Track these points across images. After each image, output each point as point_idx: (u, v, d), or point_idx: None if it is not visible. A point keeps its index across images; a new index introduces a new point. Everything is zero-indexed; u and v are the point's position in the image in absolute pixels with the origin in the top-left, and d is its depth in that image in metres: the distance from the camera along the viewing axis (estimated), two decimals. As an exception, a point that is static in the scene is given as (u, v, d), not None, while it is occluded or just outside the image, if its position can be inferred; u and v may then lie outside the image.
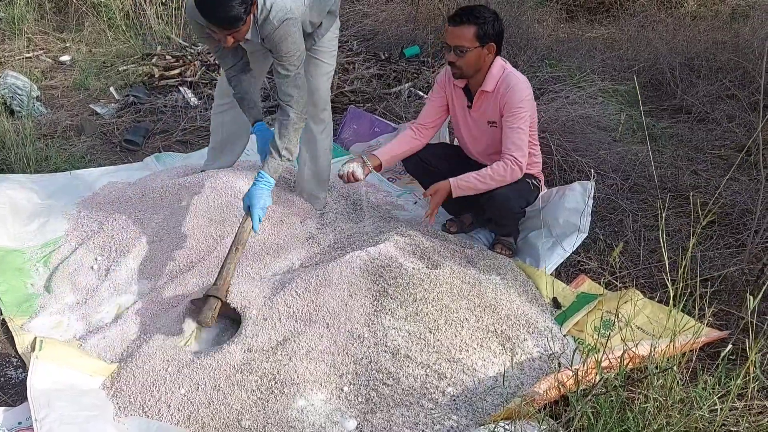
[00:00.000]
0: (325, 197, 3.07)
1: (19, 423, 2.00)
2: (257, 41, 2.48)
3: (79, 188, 3.20)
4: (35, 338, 2.25)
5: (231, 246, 2.42)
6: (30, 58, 4.90)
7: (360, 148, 3.79)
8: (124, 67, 4.72)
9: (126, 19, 5.29)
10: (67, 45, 5.17)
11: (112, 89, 4.47)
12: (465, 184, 2.67)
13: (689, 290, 2.04)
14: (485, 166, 2.84)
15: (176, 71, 4.65)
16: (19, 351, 2.30)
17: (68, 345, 2.28)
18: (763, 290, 1.94)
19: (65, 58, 4.97)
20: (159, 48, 5.01)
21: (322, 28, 2.74)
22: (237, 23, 2.28)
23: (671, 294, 1.89)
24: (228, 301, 2.33)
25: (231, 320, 2.39)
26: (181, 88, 4.44)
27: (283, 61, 2.48)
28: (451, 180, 2.67)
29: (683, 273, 1.89)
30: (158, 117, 4.13)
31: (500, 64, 2.71)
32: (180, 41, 5.05)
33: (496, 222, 2.50)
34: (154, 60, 4.81)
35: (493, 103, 2.73)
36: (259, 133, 2.68)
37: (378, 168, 2.80)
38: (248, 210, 2.48)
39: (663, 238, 1.95)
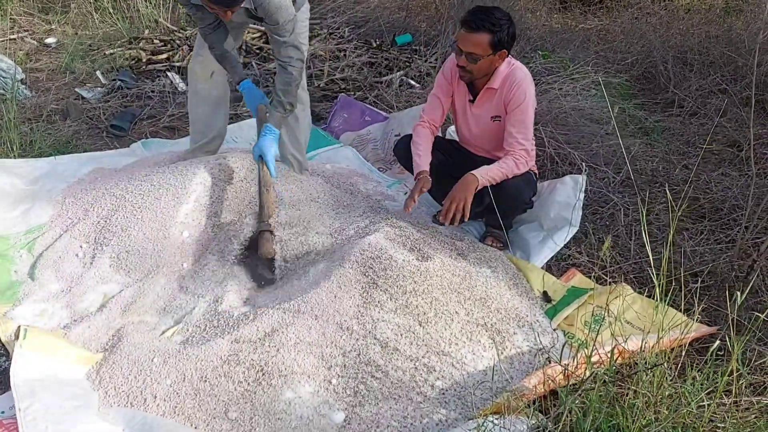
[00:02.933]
0: (305, 160, 3.22)
1: (2, 412, 1.98)
2: (249, 6, 2.60)
3: (65, 174, 3.15)
4: (19, 327, 2.22)
5: (260, 187, 2.68)
6: (14, 39, 4.81)
7: (350, 137, 3.76)
8: (111, 51, 4.64)
9: (113, 2, 5.20)
10: (53, 27, 5.08)
11: (98, 73, 4.40)
12: (490, 177, 2.60)
13: (678, 285, 2.04)
14: (482, 157, 2.83)
15: (164, 56, 4.58)
16: (3, 339, 2.26)
17: (52, 334, 2.25)
18: (750, 286, 1.94)
19: (51, 40, 4.89)
20: (147, 32, 4.94)
21: (295, 6, 2.78)
22: (237, 2, 2.44)
23: (657, 288, 1.88)
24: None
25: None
26: (168, 73, 4.38)
27: (279, 27, 2.64)
28: (477, 175, 2.58)
29: (665, 266, 1.88)
30: (145, 102, 4.07)
31: (507, 60, 2.69)
32: (168, 25, 4.98)
33: (503, 214, 2.47)
34: (141, 44, 4.74)
35: (498, 98, 2.71)
36: (247, 90, 2.88)
37: None
38: (260, 158, 2.71)
39: (645, 231, 1.94)
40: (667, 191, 2.21)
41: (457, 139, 3.06)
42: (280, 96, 2.74)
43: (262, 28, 4.52)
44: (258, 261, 2.58)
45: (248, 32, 4.71)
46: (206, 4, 2.47)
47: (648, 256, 1.93)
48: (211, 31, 2.76)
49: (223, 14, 2.50)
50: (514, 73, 2.66)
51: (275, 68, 2.84)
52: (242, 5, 2.54)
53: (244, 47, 4.64)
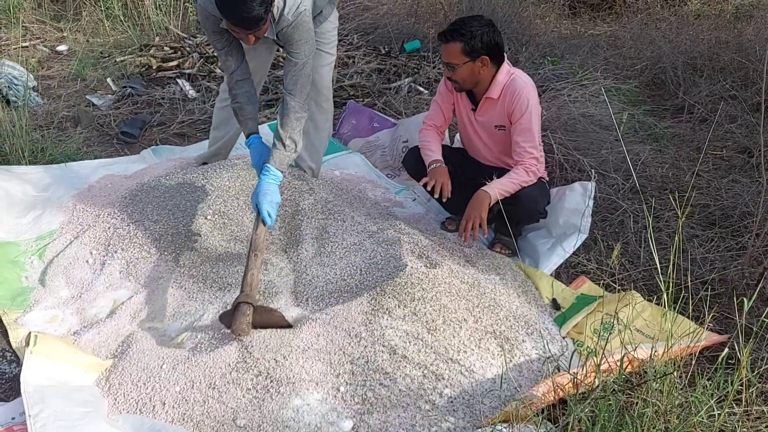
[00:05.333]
0: (319, 168, 3.19)
1: (13, 418, 1.98)
2: (272, 37, 2.53)
3: (75, 180, 3.17)
4: (30, 333, 2.23)
5: (249, 253, 2.35)
6: (27, 47, 4.85)
7: (359, 144, 3.76)
8: (122, 58, 4.68)
9: (124, 9, 5.25)
10: (64, 35, 5.13)
11: (109, 80, 4.43)
12: (503, 189, 2.62)
13: (687, 293, 2.02)
14: (490, 166, 2.83)
15: (174, 63, 4.61)
16: (13, 345, 2.28)
17: (63, 340, 2.26)
18: (756, 292, 1.93)
19: (62, 47, 4.93)
20: (157, 39, 4.97)
21: (322, 16, 2.78)
22: (259, 23, 2.32)
23: (664, 294, 1.87)
24: (259, 305, 2.24)
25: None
26: (179, 80, 4.40)
27: (294, 48, 2.54)
28: (489, 191, 2.60)
29: (672, 272, 1.87)
30: (155, 109, 4.10)
31: (506, 70, 2.70)
32: (178, 32, 5.01)
33: (518, 222, 2.48)
34: (151, 51, 4.77)
35: (500, 108, 2.72)
36: (254, 146, 2.64)
37: None
38: (257, 208, 2.44)
39: (651, 237, 1.93)
40: (672, 198, 2.20)
41: (464, 147, 3.06)
42: (278, 130, 2.54)
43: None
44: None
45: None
46: (229, 27, 2.39)
47: (657, 264, 1.92)
48: (239, 78, 2.63)
49: (246, 39, 2.39)
50: (514, 83, 2.67)
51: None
52: (266, 35, 2.47)
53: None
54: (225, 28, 2.49)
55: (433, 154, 2.79)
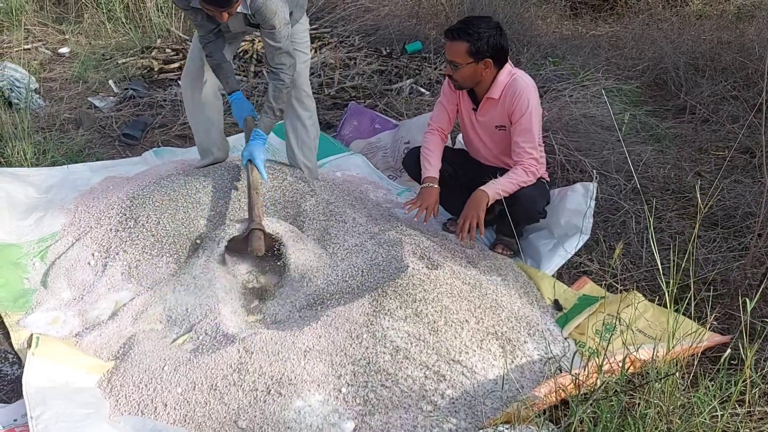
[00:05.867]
0: (316, 167, 3.24)
1: (15, 420, 1.99)
2: (246, 12, 2.64)
3: (77, 182, 3.17)
4: (31, 335, 2.23)
5: (249, 190, 2.72)
6: (29, 49, 4.86)
7: (360, 145, 3.76)
8: (124, 60, 4.69)
9: (126, 11, 5.26)
10: (66, 37, 5.14)
11: (111, 82, 4.44)
12: (501, 190, 2.61)
13: (690, 293, 2.02)
14: (491, 167, 2.83)
15: (176, 65, 4.62)
16: (15, 347, 2.28)
17: (64, 342, 2.26)
18: (759, 292, 1.92)
19: (64, 50, 4.94)
20: (159, 41, 4.98)
21: (293, 18, 2.86)
22: (231, 2, 2.48)
23: (666, 295, 1.87)
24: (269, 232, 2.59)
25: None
26: (180, 82, 4.40)
27: (274, 32, 2.67)
28: (487, 190, 2.60)
29: (674, 272, 1.87)
30: (157, 111, 4.10)
31: (508, 70, 2.69)
32: (180, 34, 5.02)
33: (516, 224, 2.49)
34: (153, 53, 4.78)
35: (500, 109, 2.72)
36: (237, 102, 2.92)
37: None
38: (250, 162, 2.77)
39: (653, 237, 1.93)
40: (695, 197, 2.17)
41: (465, 148, 3.06)
42: (271, 102, 2.78)
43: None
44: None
45: (259, 41, 4.74)
46: (202, 5, 2.52)
47: (662, 264, 1.91)
48: (211, 39, 2.80)
49: (219, 16, 2.53)
50: (515, 83, 2.67)
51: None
52: (239, 11, 2.58)
53: (255, 56, 4.67)
54: (196, 7, 2.63)
55: (430, 168, 2.77)
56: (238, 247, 2.62)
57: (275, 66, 2.76)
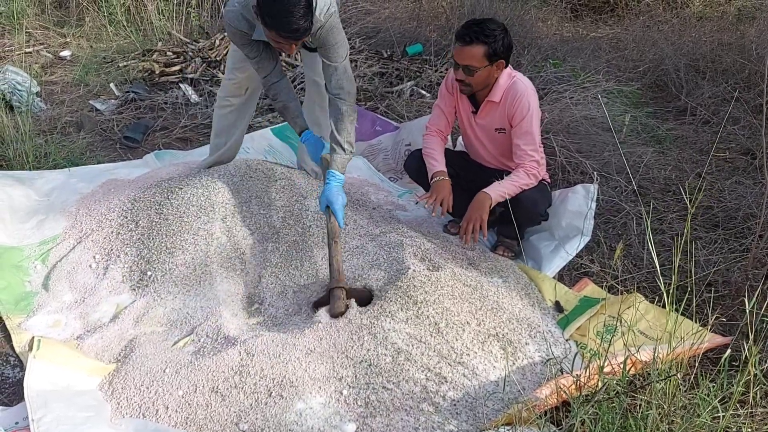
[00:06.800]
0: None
1: (16, 423, 1.99)
2: (308, 40, 2.56)
3: (78, 185, 3.17)
4: (33, 338, 2.24)
5: (329, 241, 2.50)
6: (30, 53, 4.87)
7: (361, 147, 3.76)
8: (125, 63, 4.69)
9: (127, 15, 5.26)
10: (68, 40, 5.14)
11: (112, 85, 4.44)
12: (504, 192, 2.62)
13: (689, 294, 2.02)
14: (493, 169, 2.83)
15: (177, 68, 4.62)
16: (17, 350, 2.28)
17: (66, 345, 2.26)
18: (757, 292, 1.92)
19: (65, 53, 4.95)
20: (160, 44, 4.99)
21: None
22: (306, 33, 2.37)
23: (665, 296, 1.87)
24: (349, 287, 2.40)
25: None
26: (181, 85, 4.41)
27: (332, 52, 2.57)
28: (490, 193, 2.61)
29: (674, 273, 1.87)
30: (158, 114, 4.11)
31: (507, 72, 2.70)
32: (181, 37, 5.02)
33: (519, 224, 2.49)
34: (154, 56, 4.78)
35: (500, 111, 2.72)
36: (308, 141, 2.77)
37: None
38: (328, 209, 2.57)
39: (650, 239, 1.93)
40: (685, 197, 2.18)
41: (466, 150, 3.06)
42: (335, 136, 2.60)
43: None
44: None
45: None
46: (272, 38, 2.40)
47: (663, 265, 1.92)
48: (276, 80, 2.69)
49: (288, 48, 2.43)
50: (515, 86, 2.67)
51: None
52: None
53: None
54: (255, 40, 2.54)
55: (436, 164, 2.78)
56: (321, 306, 2.41)
57: (333, 92, 2.62)
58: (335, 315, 2.29)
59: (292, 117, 2.77)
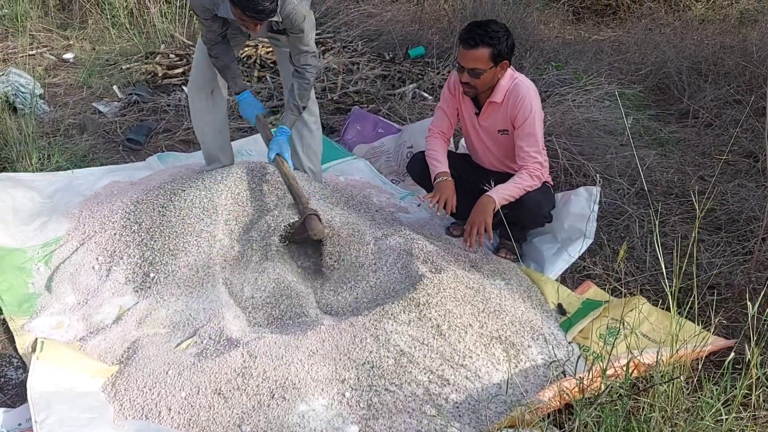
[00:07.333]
0: (320, 171, 3.29)
1: (19, 424, 1.99)
2: (279, 20, 2.66)
3: (81, 187, 3.18)
4: (36, 339, 2.24)
5: (287, 180, 2.76)
6: (33, 55, 4.88)
7: (363, 149, 3.77)
8: (128, 66, 4.71)
9: (129, 17, 5.28)
10: (71, 42, 5.16)
11: (115, 87, 4.45)
12: (507, 195, 2.62)
13: (692, 297, 2.02)
14: (494, 171, 2.83)
15: (180, 70, 4.63)
16: (20, 351, 2.29)
17: (69, 346, 2.27)
18: (761, 295, 1.92)
19: (68, 55, 4.96)
20: (162, 46, 5.00)
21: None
22: (271, 14, 2.52)
23: (670, 298, 1.86)
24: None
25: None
26: (184, 87, 4.42)
27: (303, 37, 2.72)
28: (493, 196, 2.61)
29: (678, 275, 1.87)
30: (161, 116, 4.11)
31: (509, 74, 2.70)
32: (183, 39, 5.04)
33: (523, 227, 2.50)
34: (157, 58, 4.80)
35: (503, 113, 2.72)
36: (246, 100, 2.96)
37: None
38: (277, 156, 2.83)
39: (657, 241, 1.92)
40: (695, 200, 2.17)
41: (468, 153, 3.07)
42: (296, 100, 2.85)
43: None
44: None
45: (263, 47, 4.75)
46: (238, 16, 2.52)
47: (666, 268, 1.91)
48: (218, 41, 2.83)
49: (252, 27, 2.55)
50: (517, 88, 2.67)
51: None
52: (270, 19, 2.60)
53: (258, 62, 4.69)
54: (217, 15, 2.66)
55: (439, 165, 2.79)
56: (295, 235, 2.63)
57: (301, 66, 2.81)
58: (319, 237, 2.50)
59: (233, 76, 2.93)
